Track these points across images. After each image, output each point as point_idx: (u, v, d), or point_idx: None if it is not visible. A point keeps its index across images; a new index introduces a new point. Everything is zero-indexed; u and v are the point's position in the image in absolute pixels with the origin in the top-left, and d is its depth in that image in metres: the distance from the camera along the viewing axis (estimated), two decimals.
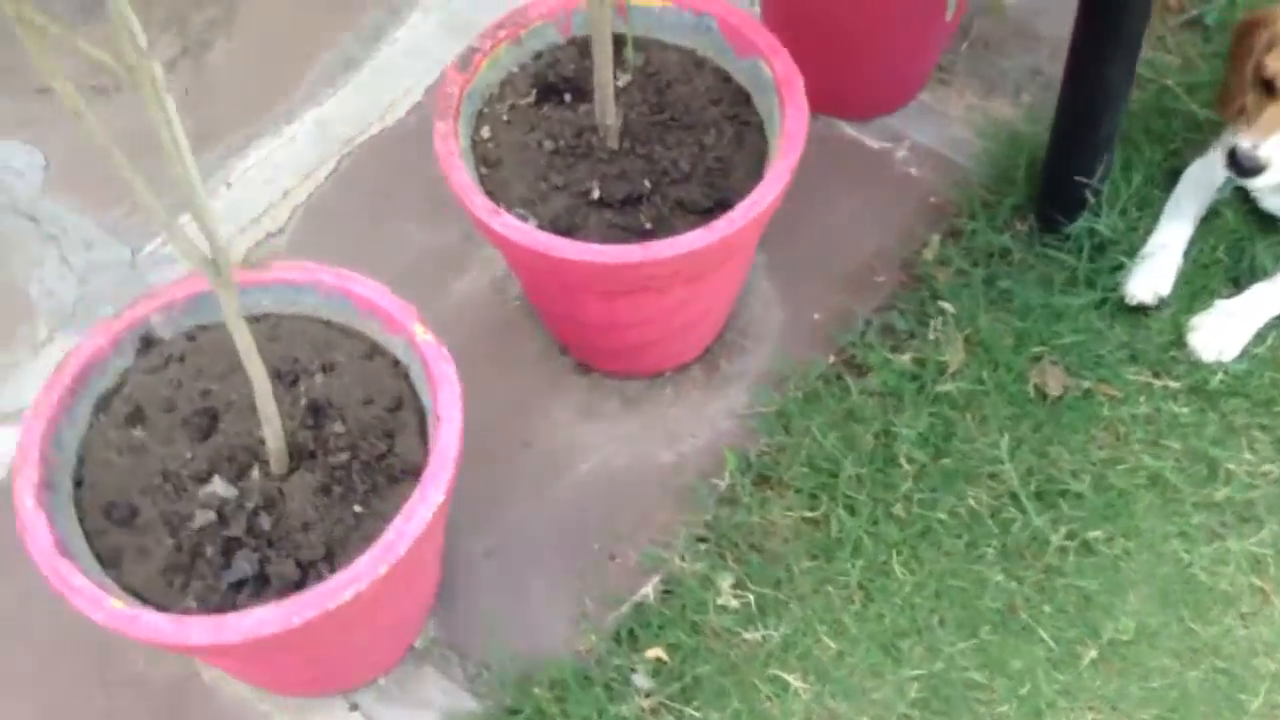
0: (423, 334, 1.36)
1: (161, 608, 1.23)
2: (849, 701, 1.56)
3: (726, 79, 1.68)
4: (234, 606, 1.23)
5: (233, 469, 1.34)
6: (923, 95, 2.16)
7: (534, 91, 1.67)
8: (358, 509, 1.31)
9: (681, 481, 1.73)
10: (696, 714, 1.53)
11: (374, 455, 1.34)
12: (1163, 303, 1.85)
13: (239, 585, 1.25)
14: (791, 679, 1.57)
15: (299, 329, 1.44)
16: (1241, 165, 1.73)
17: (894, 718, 1.56)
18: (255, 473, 1.33)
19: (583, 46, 1.73)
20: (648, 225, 1.54)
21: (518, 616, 1.61)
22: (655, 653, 1.57)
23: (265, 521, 1.29)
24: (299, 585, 1.25)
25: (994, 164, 2.00)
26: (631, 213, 1.56)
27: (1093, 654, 1.61)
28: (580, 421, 1.79)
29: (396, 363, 1.42)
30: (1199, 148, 1.99)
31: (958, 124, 2.13)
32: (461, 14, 2.22)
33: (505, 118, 1.66)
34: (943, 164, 2.06)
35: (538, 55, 1.72)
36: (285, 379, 1.39)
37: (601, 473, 1.74)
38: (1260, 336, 1.84)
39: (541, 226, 1.52)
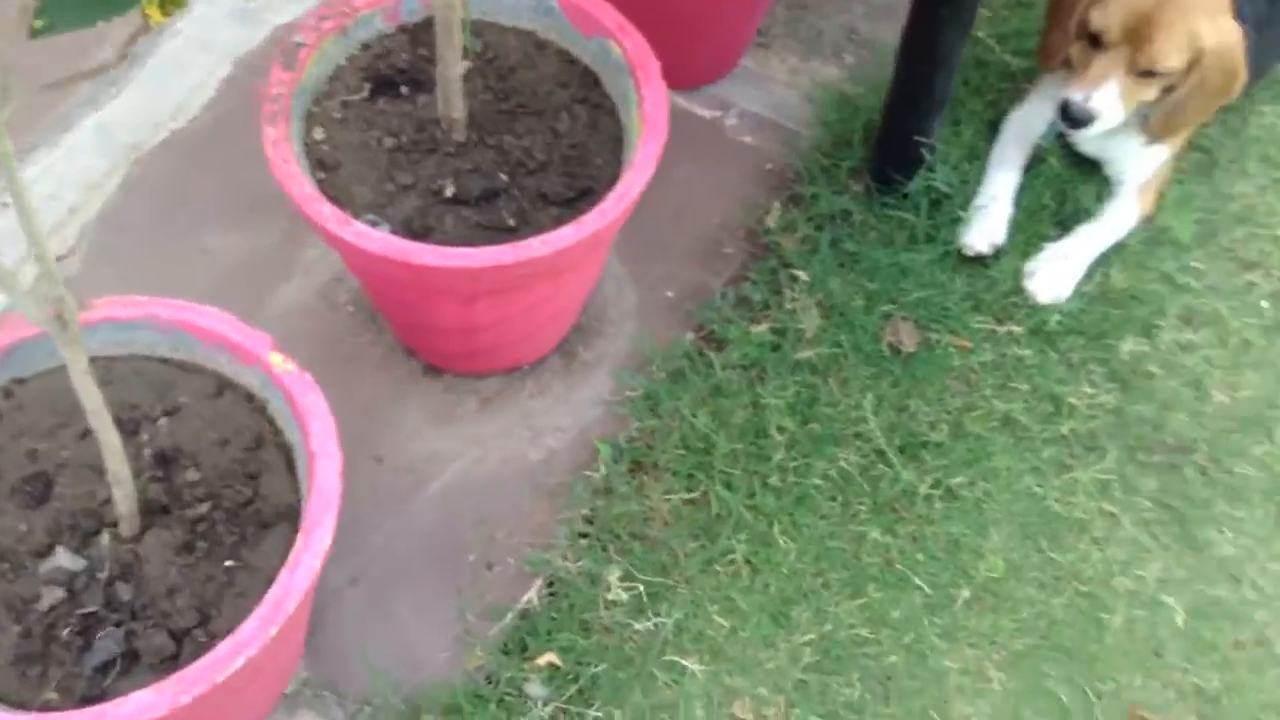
0: (282, 364, 1.28)
1: (19, 706, 1.12)
2: (745, 676, 1.58)
3: (572, 61, 1.64)
4: (104, 693, 1.14)
5: (76, 537, 1.23)
6: (745, 61, 2.17)
7: (367, 86, 1.59)
8: (228, 564, 1.23)
9: (554, 478, 1.70)
10: (598, 714, 1.52)
11: (238, 502, 1.26)
12: (999, 251, 1.91)
13: (105, 667, 1.16)
14: (687, 662, 1.57)
15: (134, 370, 1.34)
16: (1074, 117, 1.81)
17: (789, 684, 1.58)
18: (104, 538, 1.23)
19: (414, 34, 1.65)
20: (511, 221, 1.49)
21: (395, 643, 1.55)
22: (548, 659, 1.55)
23: (124, 591, 1.20)
24: (174, 658, 1.16)
25: (827, 127, 2.02)
26: (491, 209, 1.51)
27: (966, 594, 1.67)
28: (436, 428, 1.74)
29: (251, 397, 1.33)
30: (1015, 98, 2.06)
31: (782, 88, 2.15)
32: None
33: (338, 116, 1.57)
34: (774, 129, 2.08)
35: (366, 46, 1.64)
36: (125, 428, 1.28)
37: (466, 480, 1.69)
38: (1089, 275, 1.93)
39: (394, 231, 1.45)
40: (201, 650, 1.14)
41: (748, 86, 2.13)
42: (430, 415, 1.74)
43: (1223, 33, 1.75)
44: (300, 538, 1.17)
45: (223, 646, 1.10)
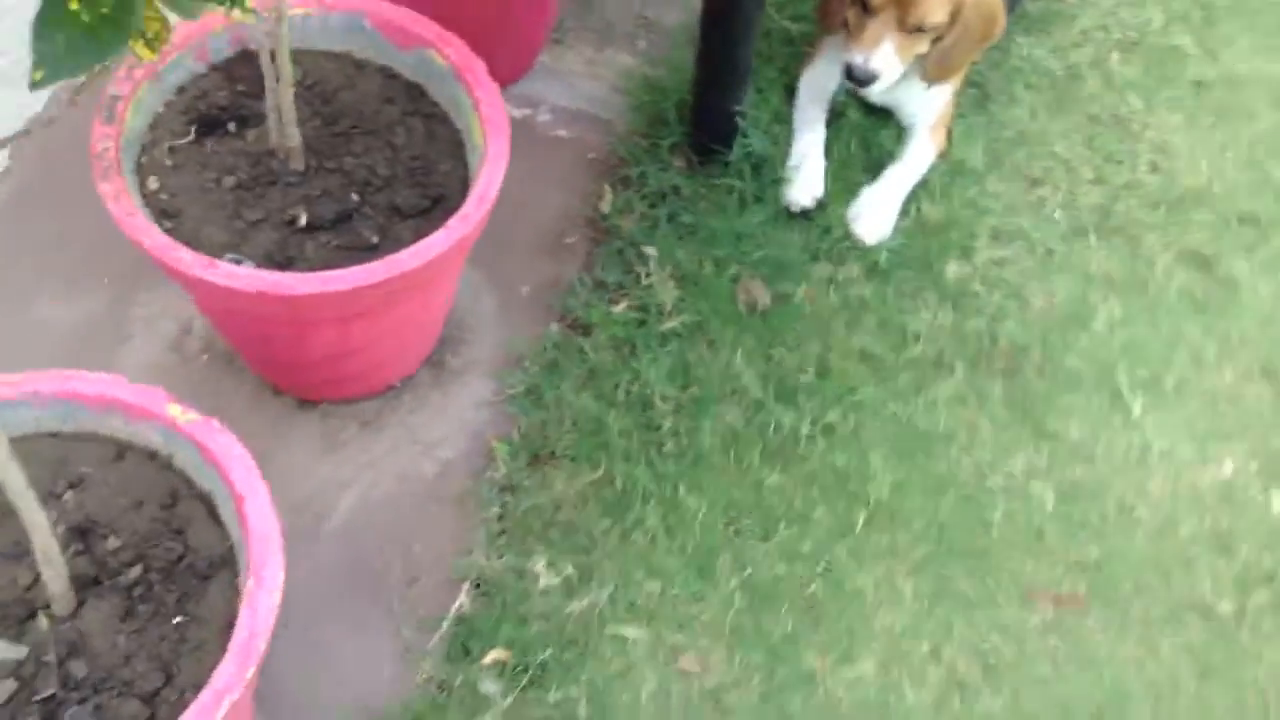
0: (182, 415, 1.24)
1: None
2: (684, 631, 1.62)
3: (393, 75, 1.66)
4: None
5: (10, 625, 1.16)
6: (542, 58, 2.22)
7: (191, 128, 1.55)
8: (176, 620, 1.18)
9: (456, 486, 1.70)
10: (557, 697, 1.53)
11: (169, 560, 1.21)
12: (821, 203, 2.04)
13: None
14: (628, 631, 1.60)
15: (24, 452, 1.25)
16: (858, 78, 1.95)
17: (726, 630, 1.63)
18: (40, 621, 1.16)
19: (227, 72, 1.63)
20: (373, 239, 1.49)
21: (340, 676, 1.51)
22: (494, 656, 1.55)
23: (78, 669, 1.13)
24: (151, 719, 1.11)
25: (639, 110, 2.10)
26: (348, 230, 1.50)
27: (863, 517, 1.77)
28: (323, 459, 1.71)
29: (154, 454, 1.28)
30: (802, 61, 2.20)
31: (584, 79, 2.22)
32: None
33: (169, 163, 1.53)
34: (587, 120, 2.14)
35: (181, 89, 1.60)
36: None
37: (367, 504, 1.67)
38: (904, 212, 2.08)
39: (259, 266, 1.42)
40: (176, 709, 1.09)
41: (551, 82, 2.18)
42: (314, 448, 1.71)
43: None
44: (250, 578, 1.13)
45: (205, 696, 1.06)
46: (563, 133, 2.10)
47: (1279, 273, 2.19)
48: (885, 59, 1.94)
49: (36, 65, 0.71)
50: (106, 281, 1.79)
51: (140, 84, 1.53)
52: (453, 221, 1.44)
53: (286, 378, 1.68)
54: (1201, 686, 1.66)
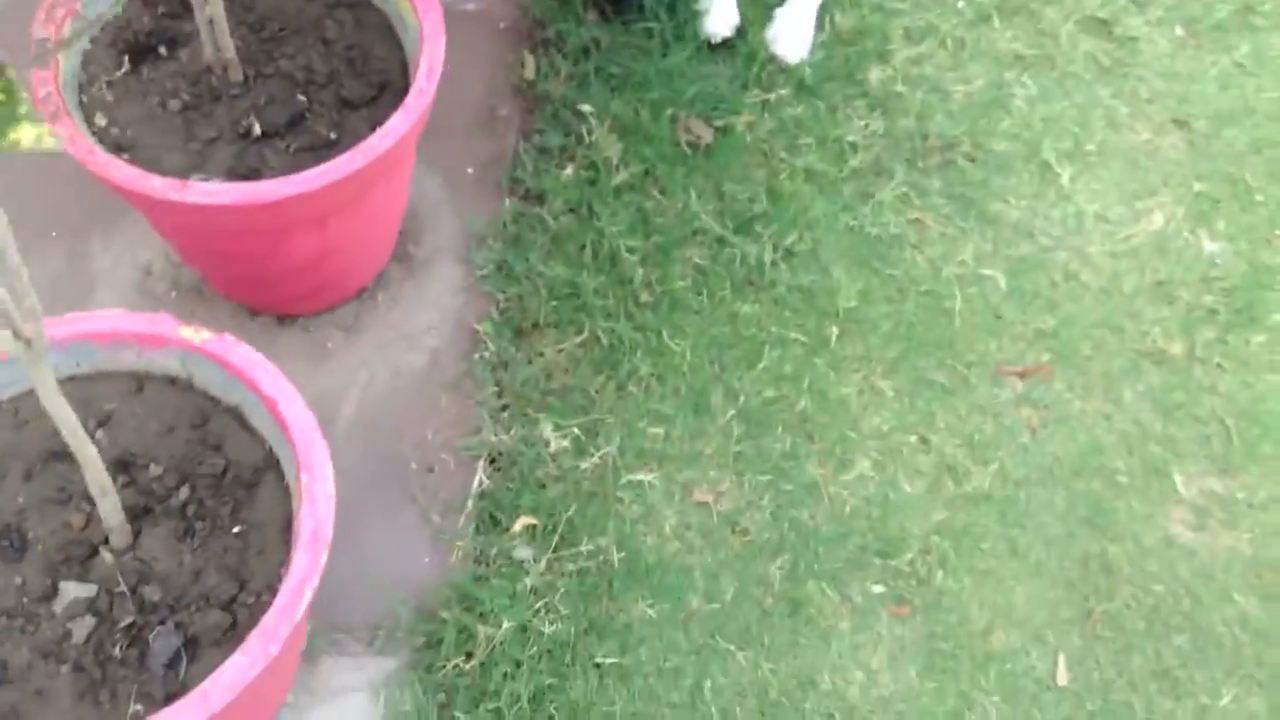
0: (196, 335, 1.26)
1: None
2: (693, 467, 1.71)
3: None
4: (184, 684, 1.14)
5: (74, 567, 1.19)
6: None
7: (124, 59, 1.52)
8: (236, 530, 1.23)
9: (449, 371, 1.74)
10: (589, 548, 1.61)
11: (214, 475, 1.25)
12: (739, 30, 2.05)
13: (173, 661, 1.15)
14: (641, 476, 1.69)
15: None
16: None
17: (730, 458, 1.72)
18: (103, 557, 1.20)
19: None
20: (331, 135, 1.49)
21: (379, 569, 1.57)
22: (522, 522, 1.62)
23: (152, 593, 1.18)
24: (233, 626, 1.17)
25: None
26: (304, 131, 1.50)
27: (835, 331, 1.85)
28: (315, 368, 1.74)
29: (173, 379, 1.30)
30: None
31: None
32: None
33: (111, 98, 1.50)
34: None
35: (105, 23, 1.55)
36: (64, 457, 1.24)
37: (368, 403, 1.71)
38: (819, 26, 2.11)
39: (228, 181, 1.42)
40: (256, 610, 1.15)
41: None
42: (304, 359, 1.73)
43: None
44: (302, 474, 1.18)
45: (286, 589, 1.12)
46: (470, 6, 2.07)
47: (1173, 25, 2.27)
48: None
49: None
50: (55, 235, 1.77)
51: (63, 24, 1.48)
52: (410, 100, 1.44)
53: (264, 294, 1.69)
54: (1167, 426, 1.80)
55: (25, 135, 0.73)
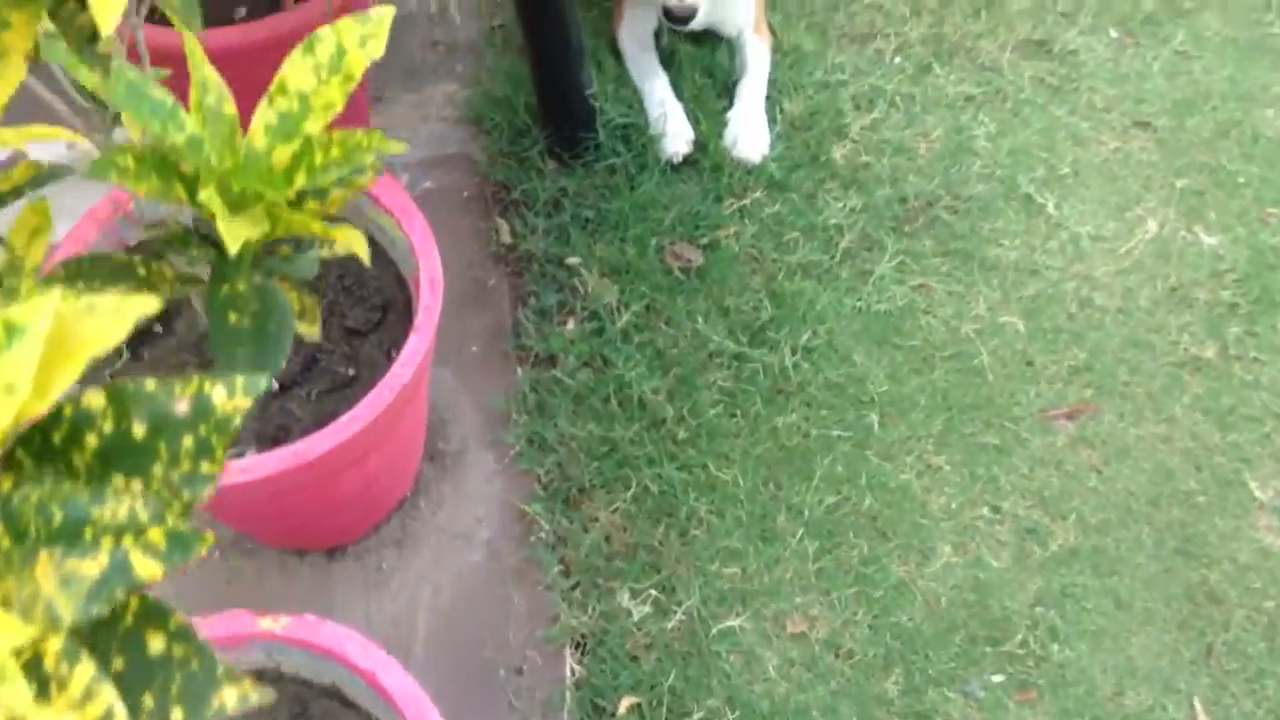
0: (276, 624, 1.21)
1: None
2: (778, 598, 1.67)
3: None
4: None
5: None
6: (373, 122, 2.16)
7: (123, 349, 1.48)
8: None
9: (510, 562, 1.69)
10: (699, 714, 1.56)
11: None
12: (697, 143, 2.05)
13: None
14: (731, 622, 1.64)
15: None
16: (679, 17, 1.97)
17: (812, 578, 1.69)
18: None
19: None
20: (349, 371, 1.46)
21: None
22: (626, 703, 1.57)
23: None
24: None
25: (494, 131, 2.07)
26: (322, 373, 1.46)
27: (876, 418, 1.83)
28: (376, 595, 1.68)
29: (260, 672, 1.25)
30: (610, 17, 2.19)
31: (423, 124, 2.17)
32: None
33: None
34: (446, 162, 2.10)
35: None
36: None
37: (439, 618, 1.65)
38: (771, 119, 2.11)
39: (260, 449, 1.38)
40: None
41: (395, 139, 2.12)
42: (362, 589, 1.68)
43: None
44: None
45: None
46: (429, 184, 2.06)
47: (1106, 29, 2.30)
48: None
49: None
50: None
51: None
52: (420, 320, 1.41)
53: (309, 537, 1.64)
54: (1225, 434, 1.79)
55: None
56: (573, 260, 1.91)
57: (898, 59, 2.25)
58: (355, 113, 2.02)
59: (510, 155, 2.04)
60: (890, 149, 2.11)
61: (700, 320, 1.87)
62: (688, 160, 2.03)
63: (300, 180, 0.66)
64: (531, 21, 1.85)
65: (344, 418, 1.33)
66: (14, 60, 0.41)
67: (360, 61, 0.68)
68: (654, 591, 1.65)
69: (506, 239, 1.97)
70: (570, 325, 1.87)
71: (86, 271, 0.68)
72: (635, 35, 2.14)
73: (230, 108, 0.66)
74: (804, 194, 2.03)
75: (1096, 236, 2.02)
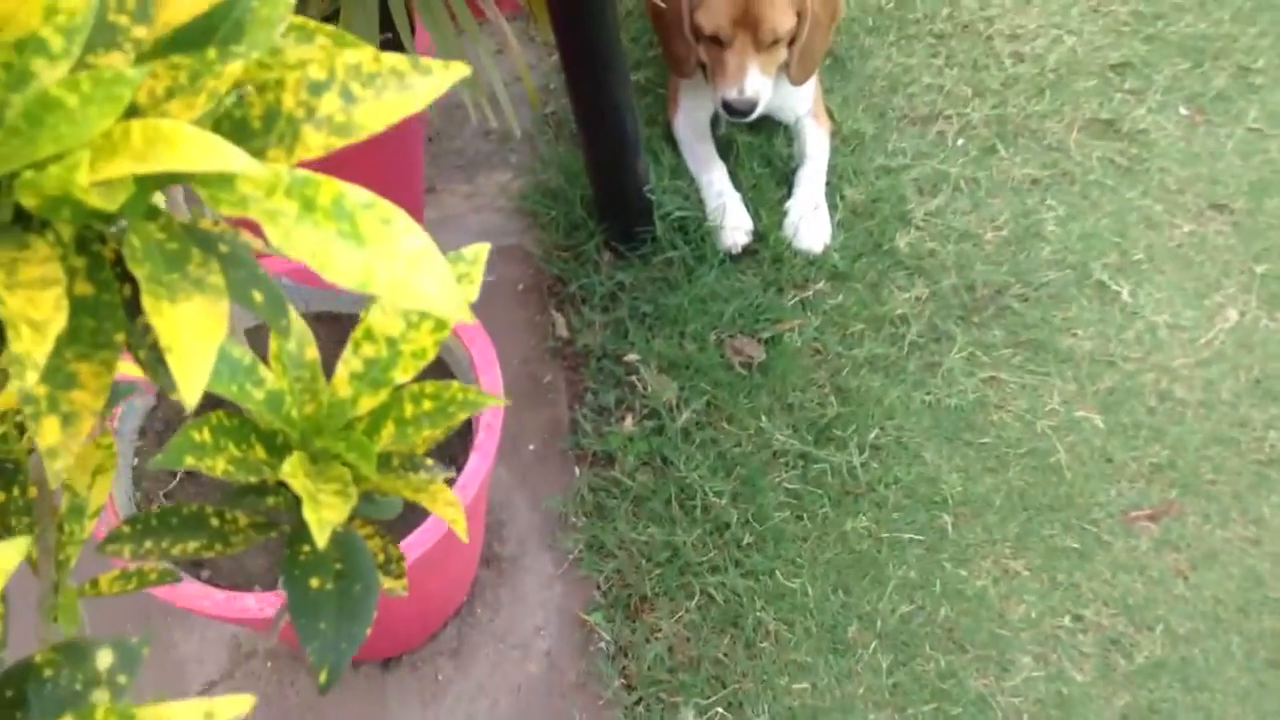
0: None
1: None
2: (852, 715, 1.59)
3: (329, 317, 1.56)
4: None
5: None
6: (428, 214, 2.14)
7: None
8: None
9: (570, 674, 1.63)
10: None
11: None
12: (757, 234, 2.00)
13: None
14: None
15: None
16: (740, 110, 1.93)
17: (887, 693, 1.61)
18: None
19: None
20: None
21: None
22: None
23: None
24: None
25: (549, 224, 2.04)
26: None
27: (949, 520, 1.76)
28: (433, 708, 1.63)
29: None
30: (666, 105, 2.17)
31: (476, 216, 2.15)
32: None
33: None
34: (500, 255, 2.07)
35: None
36: None
37: None
38: (832, 206, 2.06)
39: None
40: None
41: (446, 234, 2.10)
42: (419, 702, 1.63)
43: None
44: None
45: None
46: (485, 277, 2.02)
47: (1176, 107, 2.24)
48: (756, 84, 1.93)
49: (319, 666, 0.62)
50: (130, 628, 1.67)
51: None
52: (481, 440, 1.37)
53: (366, 651, 1.59)
54: None
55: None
56: (631, 356, 1.87)
57: (960, 141, 2.20)
58: (410, 204, 2.00)
59: (566, 248, 2.01)
60: (956, 235, 2.06)
61: (763, 418, 1.81)
62: (747, 251, 1.99)
63: (387, 434, 0.62)
64: (586, 110, 1.83)
65: (411, 539, 1.29)
66: (83, 426, 0.37)
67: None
68: (720, 709, 1.58)
69: (563, 333, 1.94)
70: (629, 423, 1.82)
71: (155, 529, 0.64)
72: (691, 124, 2.11)
73: (312, 352, 0.62)
74: (868, 284, 1.98)
75: (1174, 325, 1.94)
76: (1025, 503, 1.76)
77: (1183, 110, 2.25)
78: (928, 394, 1.87)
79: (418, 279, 0.35)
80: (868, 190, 2.10)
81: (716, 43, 1.91)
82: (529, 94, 1.72)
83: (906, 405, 1.85)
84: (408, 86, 0.38)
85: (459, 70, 0.37)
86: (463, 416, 0.63)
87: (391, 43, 1.63)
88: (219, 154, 0.32)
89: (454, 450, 1.41)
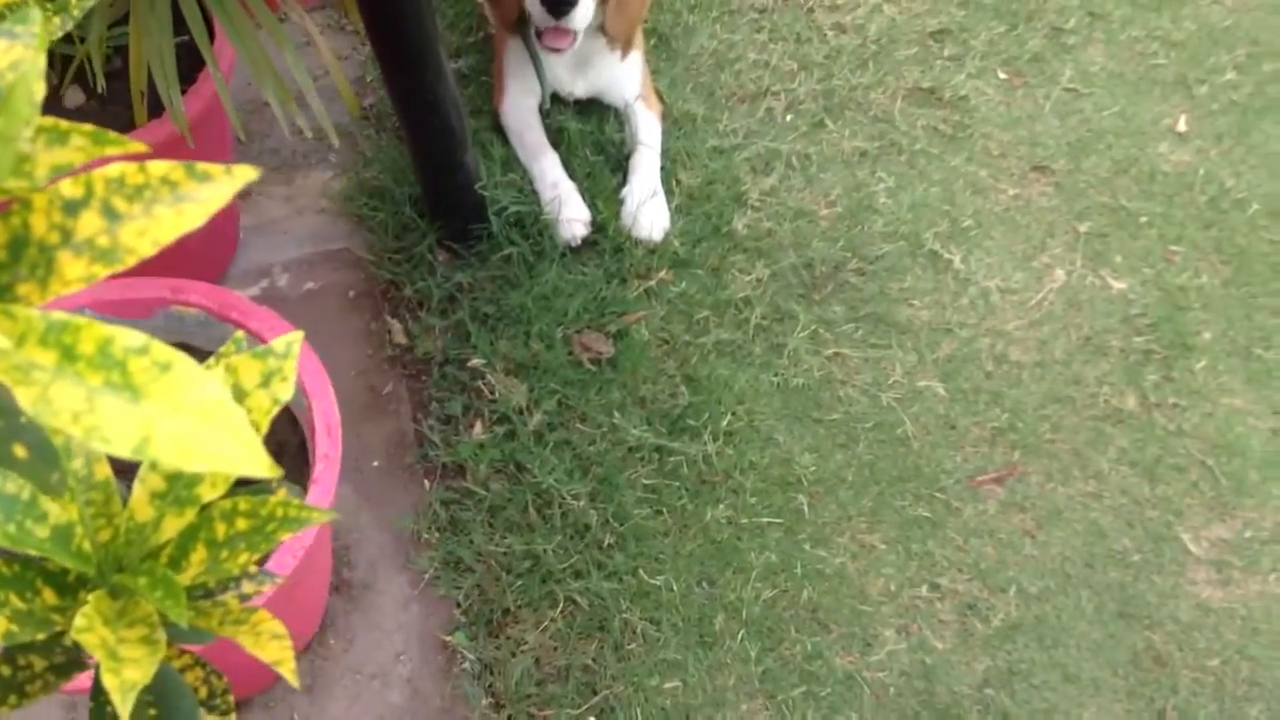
0: None
1: None
2: (722, 709, 1.59)
3: None
4: None
5: None
6: (243, 222, 2.03)
7: None
8: None
9: (435, 699, 1.58)
10: None
11: None
12: (594, 224, 1.96)
13: None
14: None
15: None
16: (558, 3, 1.80)
17: (757, 680, 1.61)
18: None
19: None
20: None
21: None
22: None
23: None
24: None
25: (377, 226, 1.96)
26: None
27: (805, 500, 1.76)
28: None
29: None
30: (490, 95, 2.10)
31: (298, 219, 2.05)
32: None
33: None
34: (328, 260, 1.98)
35: None
36: None
37: None
38: (669, 191, 2.03)
39: None
40: None
41: (266, 241, 2.00)
42: None
43: None
44: None
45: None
46: (311, 285, 1.94)
47: (994, 71, 2.28)
48: None
49: None
50: None
51: None
52: (319, 473, 1.30)
53: None
54: (1154, 487, 1.76)
55: None
56: (475, 361, 1.81)
57: (789, 117, 2.20)
58: (222, 221, 1.89)
59: (397, 250, 1.93)
60: (791, 214, 2.06)
61: (616, 414, 1.78)
62: (587, 243, 1.95)
63: (198, 560, 0.55)
64: (405, 104, 1.74)
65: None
66: None
67: (265, 408, 0.57)
68: (592, 717, 1.55)
69: (401, 340, 1.86)
70: (478, 430, 1.76)
71: None
72: (519, 111, 2.05)
73: (104, 470, 0.55)
74: (709, 269, 1.96)
75: (1005, 289, 1.99)
76: (876, 476, 1.78)
77: (1001, 74, 2.30)
78: (775, 375, 1.87)
79: (209, 436, 0.30)
80: (702, 173, 2.08)
81: None
82: (343, 92, 1.63)
83: (756, 389, 1.85)
84: (183, 198, 0.33)
85: (244, 175, 0.32)
86: (285, 536, 0.57)
87: (188, 45, 1.52)
88: None
89: (292, 479, 1.33)
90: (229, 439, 0.31)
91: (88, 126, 0.36)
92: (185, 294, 1.40)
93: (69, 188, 0.33)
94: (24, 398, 0.30)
